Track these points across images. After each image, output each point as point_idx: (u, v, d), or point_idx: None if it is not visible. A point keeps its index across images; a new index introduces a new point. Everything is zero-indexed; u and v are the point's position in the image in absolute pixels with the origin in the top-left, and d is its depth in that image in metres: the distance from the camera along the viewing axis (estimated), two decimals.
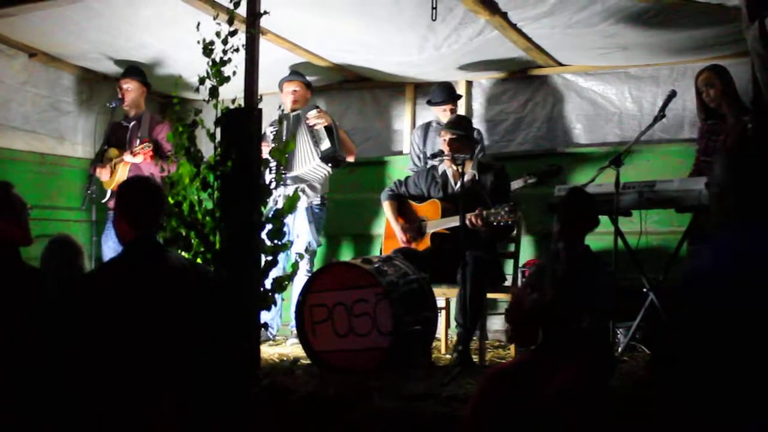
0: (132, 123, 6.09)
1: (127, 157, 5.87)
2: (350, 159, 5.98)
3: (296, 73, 6.11)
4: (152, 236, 3.23)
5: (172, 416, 2.92)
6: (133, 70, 6.14)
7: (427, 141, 6.08)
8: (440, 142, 5.16)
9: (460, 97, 6.17)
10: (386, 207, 5.29)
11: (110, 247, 5.86)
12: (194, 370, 3.01)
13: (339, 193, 6.28)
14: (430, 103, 6.07)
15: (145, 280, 3.06)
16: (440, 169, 5.18)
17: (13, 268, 3.22)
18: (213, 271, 3.19)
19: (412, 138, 6.29)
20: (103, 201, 6.06)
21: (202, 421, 2.98)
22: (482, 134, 6.13)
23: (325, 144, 5.72)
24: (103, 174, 6.00)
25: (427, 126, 6.17)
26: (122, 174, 5.90)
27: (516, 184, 5.79)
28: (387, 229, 5.36)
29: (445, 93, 5.99)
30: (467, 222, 4.65)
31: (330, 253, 6.70)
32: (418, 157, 6.11)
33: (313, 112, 5.77)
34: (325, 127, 5.75)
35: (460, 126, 5.13)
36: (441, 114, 5.98)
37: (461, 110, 6.44)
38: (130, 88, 6.09)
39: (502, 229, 4.74)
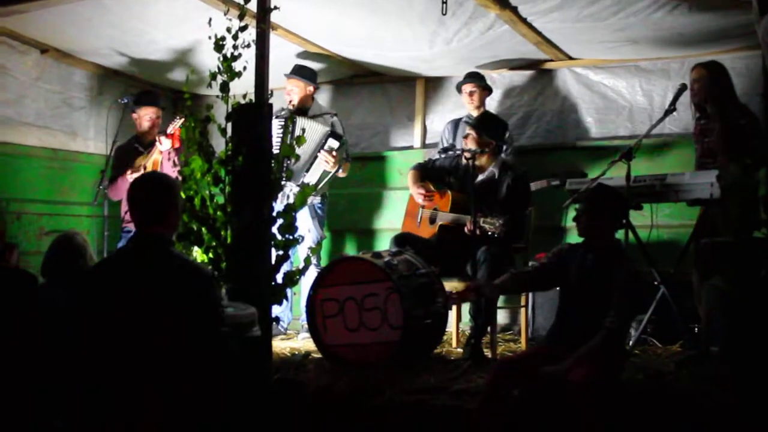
0: (147, 148, 6.06)
1: (163, 142, 5.74)
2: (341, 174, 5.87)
3: (297, 70, 5.92)
4: (149, 233, 3.04)
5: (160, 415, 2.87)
6: (152, 97, 6.11)
7: (457, 135, 6.02)
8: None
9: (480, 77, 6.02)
10: (410, 175, 5.35)
11: None
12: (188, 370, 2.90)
13: (348, 187, 6.28)
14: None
15: (132, 276, 2.97)
16: (462, 161, 5.18)
17: None
18: (216, 276, 3.04)
19: (442, 133, 6.17)
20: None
21: (217, 415, 2.96)
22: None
23: (311, 179, 5.61)
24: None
25: (457, 121, 6.07)
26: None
27: (537, 186, 5.61)
28: (409, 206, 5.40)
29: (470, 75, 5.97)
30: (465, 230, 4.73)
31: (336, 247, 6.71)
32: (444, 149, 6.05)
33: (335, 143, 5.63)
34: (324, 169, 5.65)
35: (482, 125, 5.16)
36: (466, 97, 5.92)
37: None
38: (153, 116, 6.09)
39: (513, 234, 4.72)
